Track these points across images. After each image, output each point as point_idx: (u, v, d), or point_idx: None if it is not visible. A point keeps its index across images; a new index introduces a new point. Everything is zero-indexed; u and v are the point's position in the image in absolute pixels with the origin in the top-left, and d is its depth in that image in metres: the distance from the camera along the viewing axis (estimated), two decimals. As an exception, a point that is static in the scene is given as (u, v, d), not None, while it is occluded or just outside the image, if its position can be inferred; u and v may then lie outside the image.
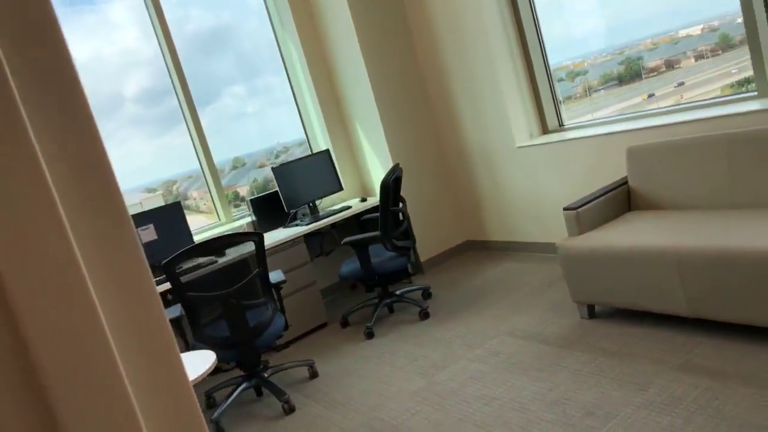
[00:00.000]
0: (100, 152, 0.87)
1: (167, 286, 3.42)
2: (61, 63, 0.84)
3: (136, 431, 0.84)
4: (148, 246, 3.73)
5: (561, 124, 4.27)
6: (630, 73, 3.92)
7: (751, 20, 3.03)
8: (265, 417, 3.04)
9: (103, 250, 0.88)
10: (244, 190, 4.83)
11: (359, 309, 4.11)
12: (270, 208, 4.42)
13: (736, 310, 2.43)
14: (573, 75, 4.28)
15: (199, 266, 3.55)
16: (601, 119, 4.01)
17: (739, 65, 3.32)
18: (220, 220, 4.46)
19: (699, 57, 3.61)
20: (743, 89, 3.30)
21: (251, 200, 4.37)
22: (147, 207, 4.06)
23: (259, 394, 3.31)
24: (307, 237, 4.38)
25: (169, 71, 4.28)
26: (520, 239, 4.54)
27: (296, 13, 4.61)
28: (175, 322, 3.00)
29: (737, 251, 2.37)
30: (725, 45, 3.41)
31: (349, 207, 4.40)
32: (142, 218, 3.74)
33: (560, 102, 4.25)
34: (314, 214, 4.37)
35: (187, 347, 3.05)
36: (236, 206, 4.69)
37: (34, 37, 0.82)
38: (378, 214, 3.67)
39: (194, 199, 4.73)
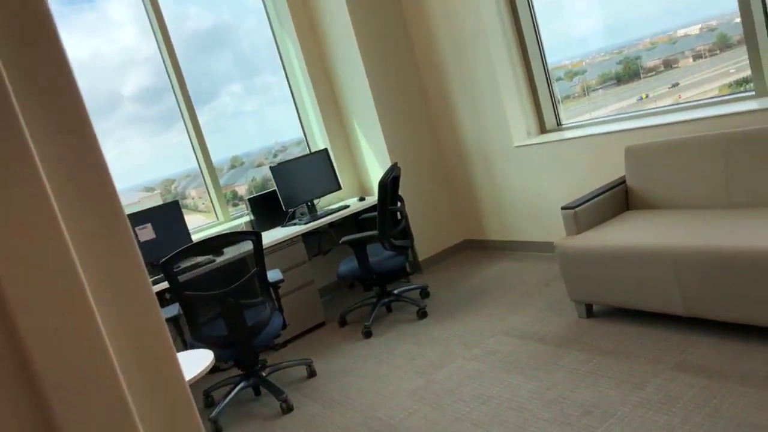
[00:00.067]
0: (97, 154, 0.87)
1: (165, 285, 3.42)
2: (57, 64, 0.84)
3: None
4: (146, 245, 3.72)
5: (559, 124, 4.27)
6: (628, 72, 3.92)
7: (748, 20, 3.04)
8: (263, 416, 3.04)
9: (101, 254, 0.88)
10: (242, 189, 4.83)
11: (357, 308, 4.11)
12: (268, 207, 4.42)
13: (732, 309, 2.44)
14: (571, 74, 4.29)
15: (197, 265, 3.55)
16: (599, 119, 4.01)
17: (738, 65, 3.32)
18: (218, 219, 4.46)
19: (697, 57, 3.61)
20: (741, 89, 3.30)
21: (249, 199, 4.37)
22: (145, 206, 4.06)
23: (257, 393, 3.31)
24: (305, 236, 4.38)
25: (167, 70, 4.28)
26: (518, 238, 4.54)
27: (295, 12, 4.61)
28: (173, 321, 3.00)
29: (734, 251, 2.38)
30: (723, 45, 3.41)
31: (347, 206, 4.40)
32: (140, 217, 3.74)
33: (558, 101, 4.25)
34: (312, 214, 4.37)
35: (185, 346, 3.05)
36: (234, 205, 4.69)
37: (30, 37, 0.82)
38: (376, 213, 3.67)
39: (192, 198, 4.73)
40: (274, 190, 4.39)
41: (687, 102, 3.55)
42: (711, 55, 3.52)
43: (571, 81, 4.29)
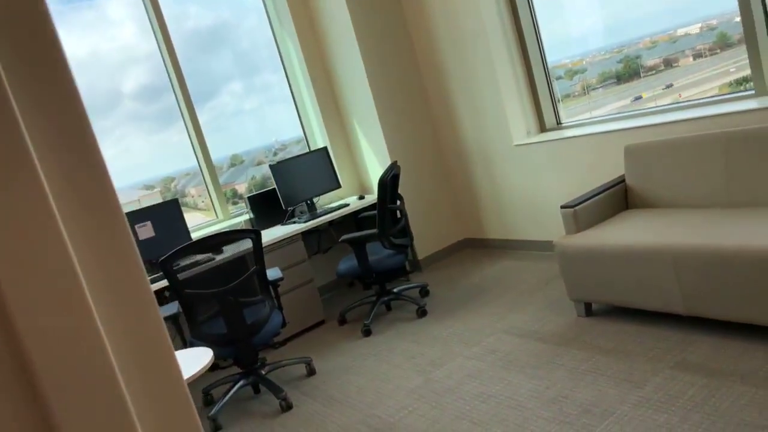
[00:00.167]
0: (95, 153, 0.87)
1: (165, 283, 3.42)
2: (55, 64, 0.84)
3: None
4: (145, 243, 3.72)
5: (559, 123, 4.27)
6: (628, 71, 3.92)
7: (748, 19, 3.03)
8: (262, 414, 3.04)
9: (99, 253, 0.87)
10: (242, 188, 4.83)
11: (357, 306, 4.11)
12: (268, 206, 4.42)
13: (732, 308, 2.44)
14: (571, 73, 4.29)
15: (196, 263, 3.55)
16: (598, 117, 4.01)
17: (737, 64, 3.32)
18: (217, 217, 4.46)
19: (697, 56, 3.61)
20: (741, 88, 3.30)
21: (249, 197, 4.37)
22: (145, 204, 4.06)
23: (257, 391, 3.31)
24: (305, 234, 4.38)
25: (167, 68, 4.27)
26: (517, 237, 4.54)
27: (295, 11, 4.60)
28: (173, 319, 3.00)
29: (734, 250, 2.38)
30: (723, 44, 3.41)
31: (346, 205, 4.40)
32: (139, 215, 3.74)
33: (558, 100, 4.25)
34: (312, 212, 4.37)
35: (185, 344, 3.05)
36: (234, 204, 4.69)
37: (27, 36, 0.82)
38: (376, 211, 3.67)
39: (192, 197, 4.73)
40: (274, 189, 4.39)
41: (687, 101, 3.55)
42: (711, 54, 3.52)
43: (571, 80, 4.29)
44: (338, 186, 4.56)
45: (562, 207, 3.14)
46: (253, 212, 4.36)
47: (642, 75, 3.88)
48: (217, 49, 4.69)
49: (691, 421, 2.09)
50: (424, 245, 4.75)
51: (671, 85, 3.74)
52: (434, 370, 2.99)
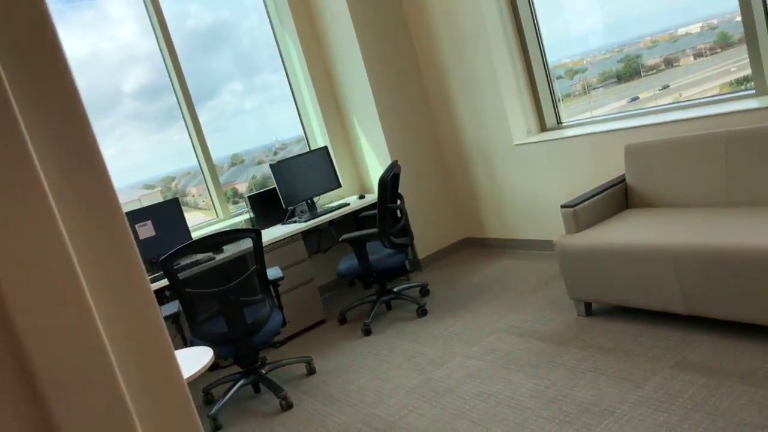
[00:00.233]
0: (95, 153, 0.87)
1: (165, 282, 3.42)
2: (56, 65, 0.84)
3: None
4: (146, 242, 3.73)
5: (559, 122, 4.27)
6: (629, 71, 3.92)
7: (749, 18, 3.03)
8: (262, 413, 3.04)
9: (99, 253, 0.88)
10: (242, 187, 4.83)
11: (357, 306, 4.11)
12: (268, 205, 4.42)
13: (732, 307, 2.44)
14: (572, 73, 4.28)
15: (196, 263, 3.55)
16: (599, 117, 4.01)
17: (738, 63, 3.32)
18: (218, 216, 4.46)
19: (698, 55, 3.61)
20: (742, 87, 3.30)
21: (249, 197, 4.37)
22: (145, 203, 4.06)
23: (257, 390, 3.31)
24: (305, 234, 4.38)
25: (167, 68, 4.27)
26: (517, 237, 4.54)
27: (295, 10, 4.60)
28: (173, 319, 3.00)
29: (734, 249, 2.38)
30: (724, 43, 3.41)
31: (347, 204, 4.40)
32: (140, 215, 3.74)
33: (559, 100, 4.25)
34: (312, 211, 4.37)
35: (185, 343, 3.06)
36: (235, 203, 4.69)
37: (27, 36, 0.82)
38: (376, 211, 3.67)
39: (193, 196, 4.73)
40: (274, 188, 4.39)
41: (687, 100, 3.55)
42: (712, 54, 3.51)
43: (571, 79, 4.28)
44: (338, 185, 4.56)
45: (563, 206, 3.14)
46: (253, 211, 4.36)
47: (642, 74, 3.87)
48: (218, 48, 4.69)
49: (690, 420, 2.09)
50: (424, 245, 4.76)
51: (668, 86, 3.74)
52: (434, 370, 3.00)
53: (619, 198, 3.30)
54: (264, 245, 3.34)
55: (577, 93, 4.30)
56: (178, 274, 2.89)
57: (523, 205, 4.40)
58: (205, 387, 3.38)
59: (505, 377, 2.73)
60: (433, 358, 3.13)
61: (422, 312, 3.77)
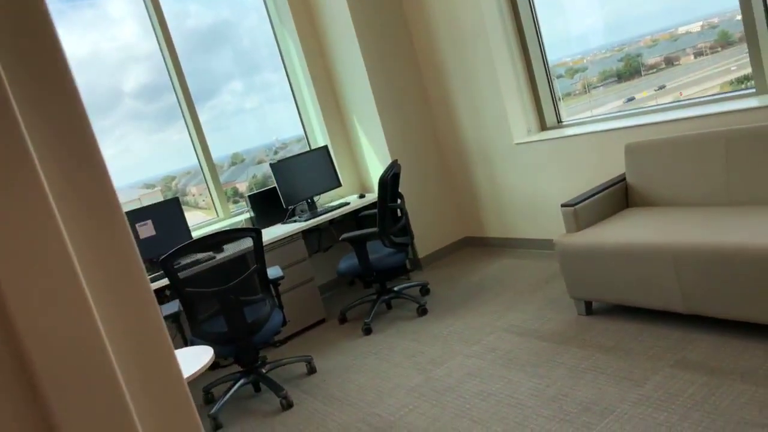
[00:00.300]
0: (95, 153, 0.87)
1: (165, 281, 3.42)
2: (55, 64, 0.84)
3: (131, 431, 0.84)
4: (146, 242, 3.73)
5: (559, 121, 4.26)
6: (629, 70, 3.91)
7: (749, 17, 3.03)
8: (263, 412, 3.05)
9: (99, 253, 0.88)
10: (242, 186, 4.83)
11: (357, 305, 4.11)
12: (268, 204, 4.42)
13: (732, 306, 2.44)
14: (572, 72, 4.28)
15: (197, 262, 3.55)
16: (599, 116, 4.01)
17: (738, 62, 3.32)
18: (218, 216, 4.46)
19: (698, 54, 3.60)
20: (742, 86, 3.30)
21: (249, 196, 4.37)
22: (145, 203, 4.06)
23: (257, 389, 3.32)
24: (306, 233, 4.38)
25: (167, 67, 4.27)
26: (517, 236, 4.54)
27: (295, 9, 4.60)
28: (173, 318, 3.00)
29: (734, 248, 2.38)
30: (724, 42, 3.40)
31: (347, 203, 4.40)
32: (140, 214, 3.74)
33: (559, 99, 4.25)
34: (312, 211, 4.37)
35: (186, 343, 3.06)
36: (235, 202, 4.69)
37: (27, 36, 0.82)
38: (376, 210, 3.67)
39: (193, 195, 4.73)
40: (275, 187, 4.39)
41: (687, 99, 3.55)
42: (712, 53, 3.51)
43: (572, 78, 4.28)
44: (339, 184, 4.56)
45: (563, 205, 3.14)
46: (253, 211, 4.36)
47: (643, 73, 3.87)
48: (218, 47, 4.69)
49: (691, 419, 2.09)
50: (424, 244, 4.76)
51: (664, 87, 3.75)
52: (434, 369, 3.00)
53: (620, 197, 3.30)
54: (264, 244, 3.34)
55: (577, 92, 4.29)
56: (179, 274, 2.89)
57: (523, 204, 4.40)
58: (205, 386, 3.38)
59: (505, 376, 2.73)
60: (433, 357, 3.13)
61: (422, 311, 3.77)
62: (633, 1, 3.69)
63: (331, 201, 4.78)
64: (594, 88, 4.15)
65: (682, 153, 3.05)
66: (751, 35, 3.05)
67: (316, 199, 4.60)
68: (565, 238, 3.05)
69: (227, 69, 4.71)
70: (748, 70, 3.17)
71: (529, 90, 4.26)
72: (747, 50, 3.10)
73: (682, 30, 3.62)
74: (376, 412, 2.74)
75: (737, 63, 3.34)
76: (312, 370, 3.35)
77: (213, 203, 4.46)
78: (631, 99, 3.94)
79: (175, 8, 4.38)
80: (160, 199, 4.34)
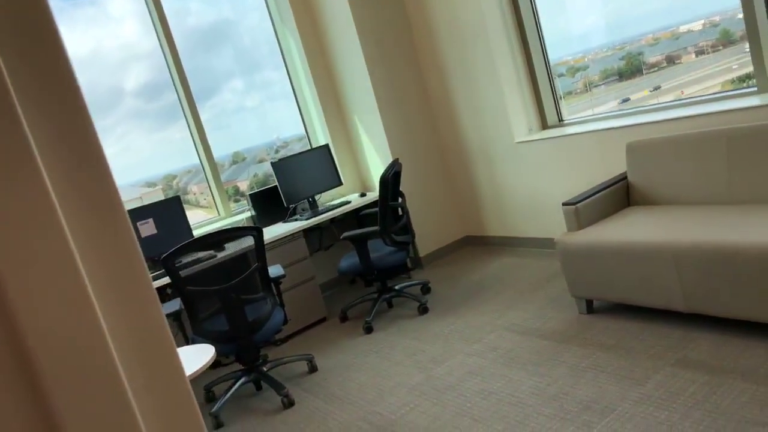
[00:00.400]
0: (97, 152, 0.87)
1: (166, 280, 3.42)
2: (58, 63, 0.84)
3: (134, 429, 0.84)
4: (147, 240, 3.73)
5: (560, 120, 4.26)
6: (631, 68, 3.91)
7: (751, 16, 3.03)
8: (264, 411, 3.05)
9: (101, 251, 0.88)
10: (243, 185, 4.83)
11: (358, 304, 4.11)
12: (269, 203, 4.42)
13: (733, 305, 2.44)
14: (573, 70, 4.28)
15: (198, 261, 3.56)
16: (600, 114, 4.00)
17: (740, 61, 3.31)
18: (219, 214, 4.46)
19: (700, 52, 3.60)
20: (744, 85, 3.30)
21: (251, 195, 4.38)
22: (147, 201, 4.06)
23: (259, 388, 3.32)
24: (307, 232, 4.38)
25: (168, 65, 4.27)
26: (518, 234, 4.54)
27: (296, 7, 4.60)
28: (175, 316, 3.01)
29: (735, 247, 2.38)
30: (726, 40, 3.40)
31: (348, 202, 4.40)
32: (141, 212, 3.75)
33: (560, 97, 4.24)
34: (313, 209, 4.37)
35: (187, 341, 3.06)
36: (236, 201, 4.70)
37: (30, 36, 0.82)
38: (377, 209, 3.67)
39: (194, 194, 4.74)
40: (276, 186, 4.39)
41: (689, 98, 3.54)
42: (713, 51, 3.51)
43: (573, 77, 4.28)
44: (340, 183, 4.56)
45: (564, 204, 3.13)
46: (254, 209, 4.36)
47: (644, 72, 3.87)
48: (219, 46, 4.69)
49: (692, 418, 2.09)
50: (425, 242, 4.76)
51: (659, 87, 3.75)
52: (435, 367, 3.00)
53: (621, 195, 3.30)
54: (265, 243, 3.35)
55: (578, 90, 4.29)
56: (180, 272, 2.89)
57: (524, 203, 4.40)
58: (206, 385, 3.38)
59: (506, 375, 2.74)
60: (434, 356, 3.13)
61: (423, 310, 3.78)
62: (634, 0, 3.68)
63: (332, 200, 4.78)
64: (595, 86, 4.14)
65: (684, 152, 3.05)
66: (752, 33, 3.05)
67: (317, 197, 4.61)
68: (566, 237, 3.05)
69: (228, 67, 4.71)
70: (750, 69, 3.16)
71: (530, 88, 4.26)
72: (748, 49, 3.10)
73: (683, 28, 3.62)
74: (376, 410, 2.74)
75: (739, 61, 3.34)
76: (313, 369, 3.35)
77: (214, 202, 4.47)
78: (626, 100, 3.95)
79: (176, 6, 4.38)
80: (161, 197, 4.34)
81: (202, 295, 2.96)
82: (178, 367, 0.93)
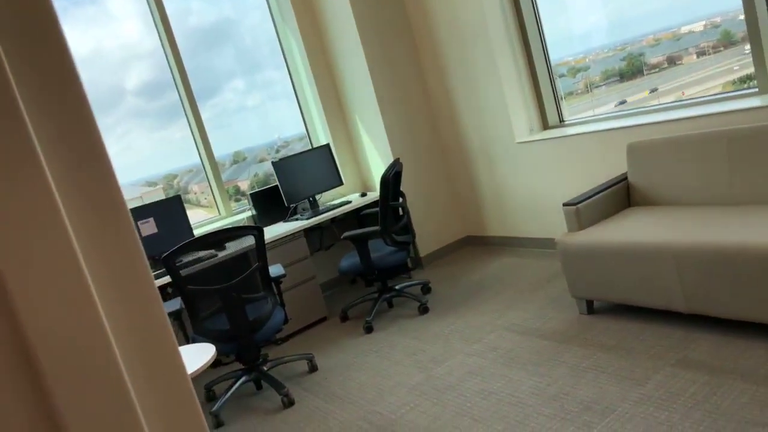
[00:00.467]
0: (100, 151, 0.87)
1: (167, 279, 3.43)
2: (61, 64, 0.84)
3: (136, 428, 0.84)
4: (148, 239, 3.73)
5: (561, 120, 4.26)
6: (632, 69, 3.91)
7: (752, 17, 3.03)
8: (264, 410, 3.05)
9: (104, 250, 0.88)
10: (244, 185, 4.83)
11: (359, 303, 4.12)
12: (270, 203, 4.42)
13: (734, 306, 2.44)
14: (574, 71, 4.28)
15: (199, 260, 3.56)
16: (601, 115, 4.00)
17: (741, 62, 3.31)
18: (220, 214, 4.46)
19: (701, 53, 3.60)
20: (745, 86, 3.30)
21: (251, 194, 4.38)
22: (147, 201, 4.06)
23: (259, 387, 3.32)
24: (307, 231, 4.39)
25: (169, 65, 4.28)
26: (519, 234, 4.54)
27: (297, 7, 4.60)
28: (175, 315, 3.01)
29: (736, 247, 2.38)
30: (727, 41, 3.40)
31: (349, 202, 4.40)
32: (142, 212, 3.75)
33: (561, 98, 4.24)
34: (314, 209, 4.38)
35: (187, 340, 3.07)
36: (237, 200, 4.70)
37: (33, 35, 0.82)
38: (378, 208, 3.67)
39: (195, 193, 4.74)
40: (276, 186, 4.39)
41: (690, 99, 3.54)
42: (714, 52, 3.51)
43: (574, 77, 4.28)
44: (340, 183, 4.57)
45: (565, 204, 3.14)
46: (255, 209, 4.37)
47: (645, 73, 3.87)
48: (220, 45, 4.69)
49: (692, 418, 2.09)
50: (425, 242, 4.76)
51: (656, 90, 3.75)
52: (435, 367, 3.00)
53: (622, 196, 3.30)
54: (266, 243, 3.35)
55: (579, 91, 4.29)
56: (181, 271, 2.89)
57: (524, 203, 4.40)
58: (207, 384, 3.39)
59: (506, 375, 2.74)
60: (434, 356, 3.13)
61: (424, 309, 3.78)
62: (635, 1, 3.69)
63: (333, 199, 4.78)
64: (596, 87, 4.15)
65: (685, 152, 3.05)
66: (753, 35, 3.05)
67: (317, 197, 4.61)
68: (567, 237, 3.05)
69: (229, 67, 4.71)
70: (751, 70, 3.16)
71: (531, 89, 4.26)
72: (750, 50, 3.10)
73: (684, 29, 3.62)
74: (377, 410, 2.75)
75: (740, 63, 3.34)
76: (313, 368, 3.36)
77: (215, 201, 4.47)
78: (622, 102, 3.95)
79: (178, 6, 4.38)
80: (162, 196, 4.34)
81: (202, 294, 2.96)
82: (180, 366, 0.93)
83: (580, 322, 3.05)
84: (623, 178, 3.33)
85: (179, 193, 4.43)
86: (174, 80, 4.29)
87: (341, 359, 3.41)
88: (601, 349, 2.74)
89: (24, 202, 0.79)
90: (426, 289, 4.16)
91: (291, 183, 4.29)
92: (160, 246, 3.69)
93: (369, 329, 3.71)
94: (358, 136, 4.83)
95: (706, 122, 3.14)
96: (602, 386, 2.44)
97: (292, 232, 4.00)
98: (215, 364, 3.13)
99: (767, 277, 2.30)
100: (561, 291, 3.51)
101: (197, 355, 2.28)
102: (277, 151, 5.01)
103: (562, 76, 4.27)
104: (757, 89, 3.14)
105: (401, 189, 3.89)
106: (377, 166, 4.76)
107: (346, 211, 4.31)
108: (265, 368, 3.23)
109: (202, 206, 4.69)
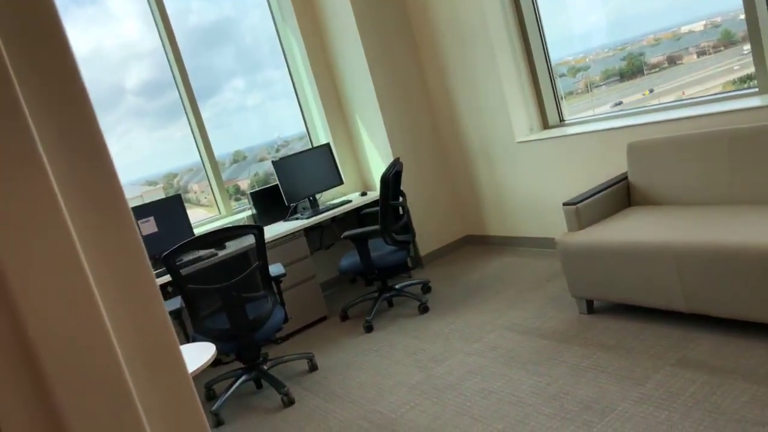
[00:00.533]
0: (103, 151, 0.87)
1: (167, 278, 3.43)
2: (64, 64, 0.84)
3: (137, 427, 0.84)
4: (148, 238, 3.73)
5: (561, 120, 4.26)
6: (632, 68, 3.91)
7: (753, 16, 3.03)
8: (264, 409, 3.05)
9: (106, 249, 0.88)
10: (244, 184, 4.84)
11: (359, 303, 4.12)
12: (270, 202, 4.42)
13: (734, 305, 2.44)
14: (575, 70, 4.28)
15: (199, 259, 3.56)
16: (601, 114, 4.01)
17: (741, 62, 3.31)
18: (220, 213, 4.47)
19: (701, 53, 3.60)
20: (745, 85, 3.30)
21: (251, 194, 4.38)
22: (147, 200, 4.06)
23: (259, 386, 3.32)
24: (307, 231, 4.39)
25: (170, 64, 4.28)
26: (519, 234, 4.54)
27: (297, 6, 4.60)
28: (176, 314, 3.01)
29: (736, 247, 2.38)
30: (727, 41, 3.40)
31: (349, 201, 4.40)
32: (142, 211, 3.75)
33: (561, 97, 4.24)
34: (314, 208, 4.38)
35: (188, 339, 3.07)
36: (237, 200, 4.70)
37: (36, 35, 0.82)
38: (378, 208, 3.67)
39: (195, 193, 4.74)
40: (277, 185, 4.39)
41: (690, 98, 3.55)
42: (715, 52, 3.51)
43: (574, 77, 4.28)
44: (341, 182, 4.57)
45: (565, 204, 3.14)
46: (255, 208, 4.37)
47: (645, 72, 3.87)
48: (220, 45, 4.69)
49: (692, 418, 2.10)
50: (426, 242, 4.76)
51: (653, 90, 3.76)
52: (435, 366, 3.00)
53: (622, 196, 3.30)
54: (266, 242, 3.35)
55: (579, 91, 4.29)
56: (181, 271, 2.89)
57: (525, 203, 4.40)
58: (207, 383, 3.39)
59: (506, 374, 2.74)
60: (434, 355, 3.13)
61: (424, 309, 3.78)
62: (636, 0, 3.68)
63: (333, 199, 4.78)
64: (596, 87, 4.15)
65: (685, 152, 3.05)
66: (754, 34, 3.05)
67: (318, 196, 4.61)
68: (567, 237, 3.05)
69: (229, 66, 4.71)
70: (751, 70, 3.16)
71: (532, 88, 4.26)
72: (750, 49, 3.10)
73: (684, 29, 3.62)
74: (377, 409, 2.75)
75: (740, 62, 3.34)
76: (313, 367, 3.36)
77: (215, 200, 4.47)
78: (619, 103, 3.96)
79: (178, 5, 4.38)
80: (162, 196, 4.34)
81: (202, 293, 2.96)
82: (180, 364, 0.93)
83: (580, 322, 3.06)
84: (623, 178, 3.34)
85: (179, 192, 4.43)
86: (174, 79, 4.29)
87: (341, 358, 3.41)
88: (601, 348, 2.74)
89: (25, 201, 0.79)
90: (426, 288, 4.16)
91: (291, 182, 4.29)
92: (161, 245, 3.69)
93: (369, 328, 3.72)
94: (358, 135, 4.83)
95: (706, 122, 3.14)
96: (602, 386, 2.44)
97: (292, 231, 4.00)
98: (215, 363, 3.14)
99: (767, 277, 2.30)
100: (561, 290, 3.51)
101: (197, 354, 2.28)
102: (278, 151, 5.01)
103: (562, 75, 4.27)
104: (757, 89, 3.14)
105: (401, 188, 3.89)
106: (377, 166, 4.76)
107: (346, 211, 4.31)
108: (266, 367, 3.23)
109: (202, 205, 4.69)
